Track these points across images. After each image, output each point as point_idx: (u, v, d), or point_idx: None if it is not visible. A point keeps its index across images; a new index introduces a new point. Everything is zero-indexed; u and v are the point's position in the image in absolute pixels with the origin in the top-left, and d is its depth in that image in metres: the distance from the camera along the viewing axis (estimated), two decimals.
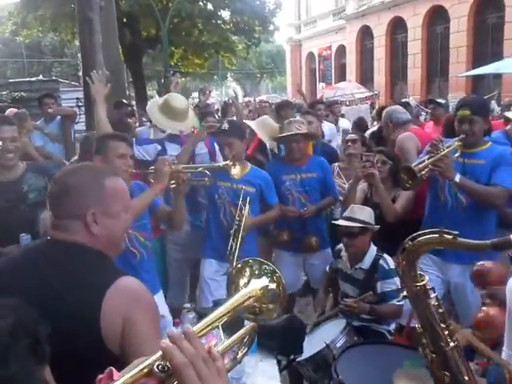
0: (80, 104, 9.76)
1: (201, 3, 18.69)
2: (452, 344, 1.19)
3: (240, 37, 20.87)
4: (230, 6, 18.83)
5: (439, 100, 6.10)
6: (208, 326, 0.85)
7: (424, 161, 3.02)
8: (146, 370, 0.74)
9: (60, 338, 1.31)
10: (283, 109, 6.18)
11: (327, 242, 3.96)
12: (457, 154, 3.12)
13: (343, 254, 3.37)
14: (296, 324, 2.58)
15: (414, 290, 1.22)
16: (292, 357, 2.62)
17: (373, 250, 3.23)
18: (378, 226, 3.23)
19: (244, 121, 4.78)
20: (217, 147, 4.10)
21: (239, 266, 1.07)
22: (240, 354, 0.95)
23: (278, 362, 2.49)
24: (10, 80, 15.47)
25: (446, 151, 2.99)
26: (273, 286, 1.03)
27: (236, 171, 3.27)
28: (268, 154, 4.65)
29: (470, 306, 3.01)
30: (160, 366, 0.73)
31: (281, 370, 2.49)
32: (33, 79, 14.62)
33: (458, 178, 3.00)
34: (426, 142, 3.58)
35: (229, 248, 3.34)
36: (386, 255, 3.19)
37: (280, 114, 5.25)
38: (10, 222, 2.68)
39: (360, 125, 6.60)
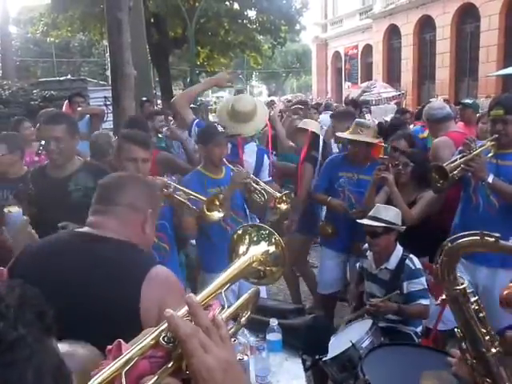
0: (108, 103, 9.91)
1: (227, 3, 18.78)
2: (494, 350, 1.16)
3: (266, 36, 20.90)
4: (256, 6, 18.85)
5: (467, 100, 5.93)
6: (211, 294, 0.86)
7: (456, 160, 2.96)
8: (153, 342, 0.75)
9: (99, 323, 1.38)
10: (300, 108, 6.18)
11: None
12: (490, 155, 3.05)
13: (368, 253, 3.35)
14: (322, 324, 2.57)
15: (453, 293, 1.18)
16: (317, 357, 2.61)
17: (399, 250, 3.20)
18: (404, 227, 3.18)
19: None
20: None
21: (239, 232, 1.06)
22: (243, 318, 0.95)
23: (303, 362, 2.48)
24: (40, 79, 15.82)
25: (478, 151, 2.93)
26: (272, 248, 1.02)
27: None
28: (319, 149, 4.62)
29: (497, 309, 2.94)
30: (166, 338, 0.74)
31: (306, 370, 2.48)
32: (62, 78, 14.97)
33: (490, 178, 2.93)
34: None
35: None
36: (412, 255, 3.15)
37: (300, 115, 5.25)
38: (48, 220, 2.49)
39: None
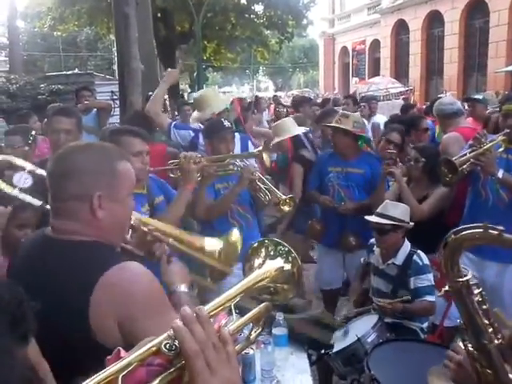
0: (114, 97, 9.93)
1: None
2: (496, 342, 1.16)
3: (273, 31, 20.86)
4: (263, 0, 18.83)
5: (477, 96, 5.87)
6: (220, 306, 0.84)
7: (466, 154, 2.94)
8: (154, 349, 0.74)
9: (53, 335, 1.23)
10: (301, 105, 6.16)
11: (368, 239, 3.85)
12: (501, 150, 3.03)
13: (375, 248, 3.34)
14: (327, 319, 2.57)
15: (456, 285, 1.19)
16: (322, 351, 2.61)
17: (406, 245, 3.18)
18: (412, 224, 3.17)
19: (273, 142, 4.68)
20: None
21: (255, 245, 1.05)
22: (254, 334, 0.92)
23: (309, 356, 2.48)
24: (48, 73, 15.87)
25: (488, 145, 2.91)
26: (288, 266, 1.01)
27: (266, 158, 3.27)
28: (307, 146, 4.60)
29: (505, 307, 2.93)
30: (168, 345, 0.73)
31: (311, 364, 2.48)
32: (69, 73, 15.00)
33: (500, 173, 2.91)
34: None
35: None
36: (420, 251, 3.14)
37: (298, 111, 5.23)
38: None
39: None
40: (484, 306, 1.18)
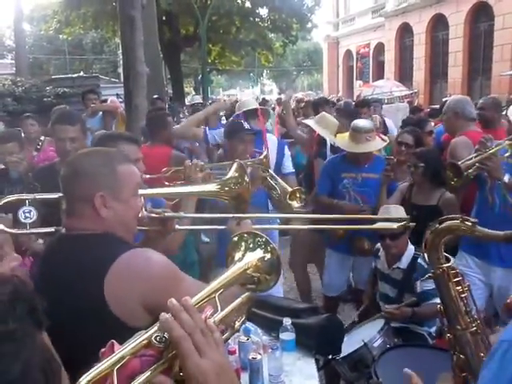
0: (120, 100, 9.96)
1: (239, 1, 18.81)
2: (470, 329, 1.21)
3: (277, 34, 20.91)
4: (268, 4, 18.85)
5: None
6: (206, 297, 0.87)
7: (471, 159, 2.93)
8: (145, 342, 0.76)
9: (72, 324, 1.33)
10: (321, 106, 6.14)
11: None
12: (507, 154, 3.01)
13: (381, 253, 3.33)
14: (335, 324, 2.56)
15: (438, 271, 1.26)
16: (330, 356, 2.60)
17: (411, 249, 3.18)
18: (415, 224, 3.16)
19: (303, 120, 4.80)
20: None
21: (234, 239, 1.08)
22: (237, 324, 0.96)
23: (316, 361, 2.47)
24: (53, 76, 15.95)
25: (494, 149, 2.90)
26: (268, 256, 1.04)
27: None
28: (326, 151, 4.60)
29: None
30: (158, 337, 0.76)
31: (318, 370, 2.47)
32: (75, 75, 15.10)
33: (506, 178, 2.90)
34: None
35: None
36: (424, 254, 3.12)
37: (318, 112, 5.23)
38: (57, 219, 2.60)
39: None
40: (463, 295, 1.24)
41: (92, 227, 1.49)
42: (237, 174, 2.14)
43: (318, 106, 6.21)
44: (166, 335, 0.76)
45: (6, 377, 0.58)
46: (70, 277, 1.42)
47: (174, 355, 0.76)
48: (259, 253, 1.04)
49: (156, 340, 0.75)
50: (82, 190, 1.50)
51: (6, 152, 3.45)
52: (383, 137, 4.24)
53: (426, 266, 3.06)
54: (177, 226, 1.93)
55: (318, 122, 4.52)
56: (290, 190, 3.18)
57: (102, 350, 0.79)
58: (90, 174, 1.51)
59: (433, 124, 5.66)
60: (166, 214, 1.87)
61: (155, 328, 0.77)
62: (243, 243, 1.07)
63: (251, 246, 1.06)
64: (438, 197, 3.48)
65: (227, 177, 2.15)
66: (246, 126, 3.43)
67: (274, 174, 3.20)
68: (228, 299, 0.92)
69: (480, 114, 4.33)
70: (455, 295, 1.23)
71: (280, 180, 3.23)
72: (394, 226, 2.95)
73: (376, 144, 3.84)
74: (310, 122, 4.68)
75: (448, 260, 1.26)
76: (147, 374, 0.74)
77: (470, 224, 1.19)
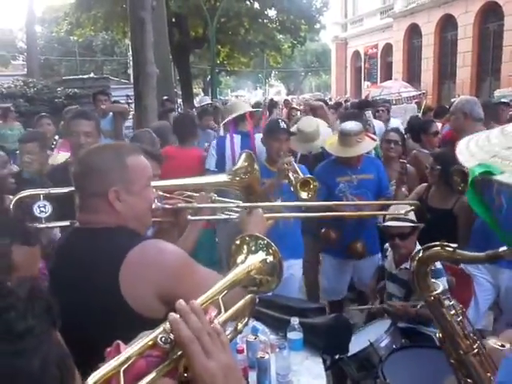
0: (130, 101, 10.03)
1: (248, 2, 18.85)
2: (474, 352, 1.19)
3: (286, 35, 20.89)
4: (276, 5, 18.86)
5: (504, 100, 5.71)
6: (209, 299, 0.88)
7: None
8: (150, 343, 0.77)
9: (87, 317, 1.35)
10: (321, 109, 6.14)
11: (377, 247, 3.79)
12: None
13: (388, 253, 3.34)
14: (342, 323, 2.58)
15: (429, 300, 1.24)
16: (337, 356, 2.63)
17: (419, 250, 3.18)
18: (423, 224, 3.17)
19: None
20: None
21: (237, 242, 1.09)
22: (240, 325, 0.97)
23: (324, 361, 2.49)
24: (64, 77, 16.08)
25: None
26: (270, 258, 1.05)
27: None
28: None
29: None
30: (163, 338, 0.76)
31: (326, 369, 2.49)
32: (85, 77, 15.20)
33: None
34: None
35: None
36: None
37: (317, 115, 5.24)
38: (70, 216, 2.61)
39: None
40: (458, 318, 1.23)
41: (107, 221, 1.51)
42: (246, 164, 2.17)
43: (317, 109, 6.23)
44: (171, 336, 0.76)
45: (26, 371, 0.61)
46: (84, 270, 1.44)
47: (179, 356, 0.77)
48: (261, 255, 1.06)
49: (161, 341, 0.76)
50: (95, 186, 1.52)
51: (25, 151, 3.52)
52: (373, 136, 4.24)
53: (433, 268, 3.08)
54: (189, 217, 1.94)
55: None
56: (301, 176, 3.08)
57: (108, 349, 0.80)
58: (102, 170, 1.52)
59: (440, 125, 5.65)
60: (179, 204, 1.89)
61: (161, 329, 0.78)
62: (245, 246, 1.08)
63: (253, 248, 1.07)
64: (454, 201, 3.46)
65: (237, 167, 2.19)
66: (282, 125, 3.51)
67: (298, 169, 3.16)
68: (231, 301, 0.93)
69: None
70: (450, 320, 1.22)
71: (302, 174, 3.15)
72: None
73: (366, 145, 3.81)
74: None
75: (438, 286, 1.25)
76: (153, 374, 0.75)
77: (450, 250, 1.17)
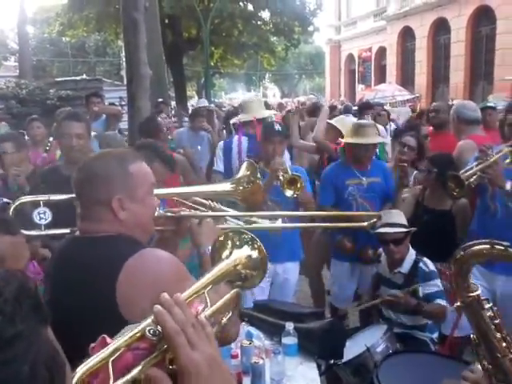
0: (123, 103, 9.98)
1: (241, 3, 18.83)
2: (510, 355, 1.17)
3: (279, 38, 20.93)
4: (270, 7, 18.88)
5: (490, 104, 5.77)
6: (195, 293, 0.88)
7: (472, 168, 2.93)
8: (138, 335, 0.77)
9: (80, 324, 1.30)
10: (317, 112, 6.16)
11: None
12: (507, 161, 3.02)
13: (382, 258, 3.35)
14: (337, 329, 2.56)
15: (467, 300, 1.21)
16: (332, 361, 2.61)
17: (412, 253, 3.20)
18: (415, 228, 3.19)
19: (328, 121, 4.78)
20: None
21: (221, 238, 1.10)
22: (224, 319, 0.97)
23: (318, 366, 2.47)
24: (57, 79, 15.97)
25: (495, 157, 2.90)
26: (255, 253, 1.06)
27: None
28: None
29: None
30: (152, 331, 0.76)
31: (320, 374, 2.47)
32: (78, 78, 15.09)
33: (508, 185, 2.90)
34: None
35: None
36: (425, 258, 3.15)
37: (315, 115, 5.25)
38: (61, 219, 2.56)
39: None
40: (496, 321, 1.20)
41: (110, 230, 1.49)
42: (248, 173, 2.15)
43: (314, 111, 6.24)
44: (159, 328, 0.77)
45: (16, 379, 0.58)
46: (81, 279, 1.42)
47: (166, 348, 0.77)
48: (246, 249, 1.06)
49: (150, 333, 0.76)
50: (98, 195, 1.49)
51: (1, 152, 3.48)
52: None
53: (427, 271, 3.08)
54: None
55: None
56: (288, 174, 3.07)
57: (92, 344, 0.79)
58: (105, 178, 1.50)
59: (431, 128, 5.67)
60: (182, 213, 1.87)
61: (148, 321, 0.78)
62: (229, 241, 1.08)
63: (238, 243, 1.07)
64: (452, 202, 3.47)
65: (239, 175, 2.17)
66: (277, 128, 3.51)
67: (288, 169, 3.17)
68: (216, 295, 0.93)
69: (434, 116, 4.67)
70: (488, 322, 1.19)
71: (294, 174, 3.14)
72: (365, 224, 2.98)
73: (380, 138, 3.85)
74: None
75: (476, 288, 1.22)
76: (140, 366, 0.75)
77: (502, 248, 1.13)
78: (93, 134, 4.51)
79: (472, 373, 1.31)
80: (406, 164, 3.75)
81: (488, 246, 1.16)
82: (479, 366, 1.28)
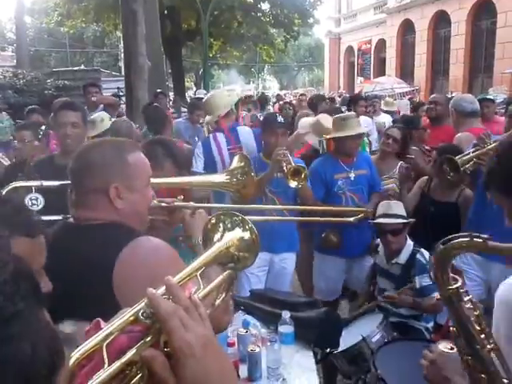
0: (121, 93, 9.95)
1: None
2: (489, 346, 1.18)
3: (279, 30, 20.85)
4: None
5: (489, 96, 5.78)
6: (187, 276, 0.88)
7: (469, 154, 2.94)
8: (132, 318, 0.77)
9: (73, 312, 1.28)
10: (320, 103, 6.16)
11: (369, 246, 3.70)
12: None
13: (380, 249, 3.35)
14: (333, 318, 2.57)
15: (447, 293, 1.22)
16: (328, 350, 2.62)
17: (409, 244, 3.20)
18: (414, 220, 3.19)
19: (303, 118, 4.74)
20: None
21: (213, 221, 1.09)
22: (218, 301, 0.98)
23: (314, 355, 2.48)
24: (54, 69, 15.90)
25: (492, 145, 2.90)
26: (246, 234, 1.05)
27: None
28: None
29: None
30: (144, 314, 0.76)
31: (316, 363, 2.49)
32: (76, 68, 15.06)
33: None
34: None
35: None
36: (423, 250, 3.15)
37: (316, 108, 5.25)
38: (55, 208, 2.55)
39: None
40: (475, 313, 1.21)
41: (105, 218, 1.48)
42: (242, 164, 2.15)
43: (316, 103, 6.23)
44: (152, 310, 0.77)
45: (17, 358, 0.58)
46: (77, 266, 1.41)
47: (159, 330, 0.77)
48: (238, 231, 1.05)
49: (142, 316, 0.76)
50: (95, 183, 1.48)
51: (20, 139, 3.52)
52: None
53: (424, 262, 3.09)
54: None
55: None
56: (292, 164, 3.05)
57: (87, 327, 0.80)
58: (102, 166, 1.49)
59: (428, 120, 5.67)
60: (175, 203, 1.87)
61: (142, 304, 0.78)
62: (221, 223, 1.07)
63: (229, 225, 1.07)
64: (457, 194, 3.48)
65: (232, 167, 2.17)
66: (279, 119, 3.49)
67: (291, 160, 3.14)
68: (209, 278, 0.93)
69: (432, 108, 4.63)
70: (468, 314, 1.20)
71: (294, 163, 3.13)
72: (351, 219, 3.00)
73: (363, 128, 3.84)
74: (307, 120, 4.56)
75: (456, 280, 1.22)
76: (135, 350, 0.75)
77: (480, 241, 1.13)
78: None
79: (431, 352, 1.35)
80: (412, 156, 3.80)
81: (467, 239, 1.16)
82: (439, 346, 1.32)
